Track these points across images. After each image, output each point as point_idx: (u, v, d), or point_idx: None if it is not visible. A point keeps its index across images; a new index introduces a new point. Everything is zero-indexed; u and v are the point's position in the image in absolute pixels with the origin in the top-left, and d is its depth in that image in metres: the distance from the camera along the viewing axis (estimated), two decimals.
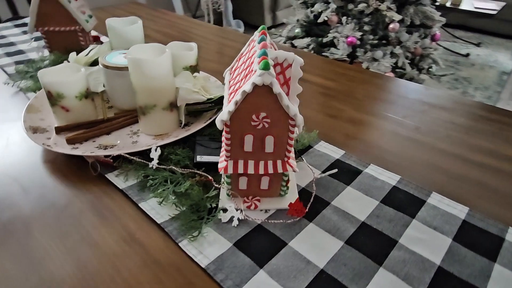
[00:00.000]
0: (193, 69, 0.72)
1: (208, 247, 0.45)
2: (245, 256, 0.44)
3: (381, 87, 0.90)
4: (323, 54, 2.37)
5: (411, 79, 2.27)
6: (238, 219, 0.48)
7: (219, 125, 0.42)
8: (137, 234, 0.47)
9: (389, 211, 0.51)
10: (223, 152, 0.46)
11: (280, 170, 0.47)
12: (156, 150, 0.56)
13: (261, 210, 0.51)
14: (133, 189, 0.54)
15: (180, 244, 0.45)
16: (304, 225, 0.49)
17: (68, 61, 0.78)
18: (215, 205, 0.50)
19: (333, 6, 2.12)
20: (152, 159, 0.56)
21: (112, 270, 0.42)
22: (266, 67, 0.37)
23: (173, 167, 0.55)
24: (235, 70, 0.50)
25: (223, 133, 0.44)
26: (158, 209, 0.50)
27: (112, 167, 0.58)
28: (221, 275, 0.41)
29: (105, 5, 1.62)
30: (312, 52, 2.33)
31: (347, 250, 0.45)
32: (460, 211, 0.51)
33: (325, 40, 2.24)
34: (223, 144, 0.45)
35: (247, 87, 0.38)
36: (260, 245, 0.45)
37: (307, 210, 0.50)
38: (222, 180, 0.50)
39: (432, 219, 0.50)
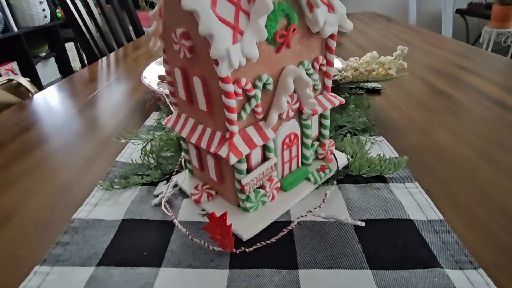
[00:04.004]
0: None
1: (105, 206, 0.33)
2: (107, 240, 0.29)
3: None
4: None
5: None
6: (161, 199, 0.33)
7: (151, 44, 0.29)
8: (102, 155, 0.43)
9: None
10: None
11: (213, 147, 0.27)
12: None
13: (202, 210, 0.32)
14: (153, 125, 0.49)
15: (97, 185, 0.36)
16: (215, 265, 0.26)
17: None
18: (175, 171, 0.37)
19: None
20: None
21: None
22: None
23: None
24: None
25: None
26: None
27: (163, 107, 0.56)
28: (66, 237, 0.29)
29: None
30: None
31: None
32: None
33: None
34: None
35: None
36: (137, 244, 0.28)
37: (248, 250, 0.27)
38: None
39: None
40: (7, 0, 1.92)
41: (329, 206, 0.31)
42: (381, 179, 0.35)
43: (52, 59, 2.41)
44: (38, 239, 0.30)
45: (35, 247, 0.29)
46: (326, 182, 0.35)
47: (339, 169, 0.36)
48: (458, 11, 2.81)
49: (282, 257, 0.26)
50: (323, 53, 0.31)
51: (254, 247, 0.27)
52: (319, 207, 0.29)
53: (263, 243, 0.27)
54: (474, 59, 0.79)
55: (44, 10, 2.15)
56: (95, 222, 0.31)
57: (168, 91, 0.31)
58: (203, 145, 0.28)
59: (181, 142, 0.34)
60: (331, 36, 0.30)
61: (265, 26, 0.24)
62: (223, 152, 0.26)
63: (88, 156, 0.44)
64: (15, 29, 1.99)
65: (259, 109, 0.27)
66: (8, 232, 0.31)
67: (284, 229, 0.28)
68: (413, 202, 0.32)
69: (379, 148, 0.41)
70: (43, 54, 2.31)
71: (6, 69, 1.94)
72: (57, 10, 2.34)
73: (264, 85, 0.27)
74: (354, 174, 0.36)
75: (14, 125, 0.55)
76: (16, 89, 0.71)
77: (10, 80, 0.72)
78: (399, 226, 0.29)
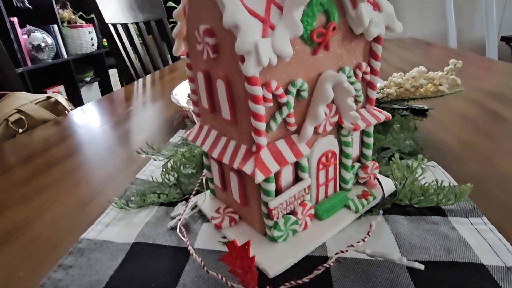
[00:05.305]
0: None
1: (117, 226, 0.30)
2: (113, 266, 0.25)
3: None
4: None
5: None
6: (178, 222, 0.29)
7: (174, 47, 0.26)
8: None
9: None
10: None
11: (236, 163, 0.23)
12: None
13: (223, 237, 0.28)
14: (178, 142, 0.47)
15: (111, 203, 0.33)
16: None
17: None
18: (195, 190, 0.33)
19: None
20: None
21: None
22: None
23: None
24: None
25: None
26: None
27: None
28: (70, 259, 0.26)
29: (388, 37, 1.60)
30: None
31: None
32: None
33: None
34: None
35: None
36: (145, 273, 0.25)
37: None
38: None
39: None
40: (60, 30, 2.09)
41: (375, 240, 0.26)
42: (438, 211, 0.29)
43: (96, 84, 2.56)
44: (42, 260, 0.27)
45: (36, 269, 0.26)
46: (369, 211, 0.30)
47: (385, 196, 0.30)
48: (503, 38, 2.66)
49: None
50: (366, 59, 0.27)
51: (283, 286, 0.22)
52: (363, 241, 0.24)
53: (293, 282, 0.22)
54: None
55: (92, 39, 2.32)
56: (103, 244, 0.28)
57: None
58: (226, 160, 0.24)
59: (204, 157, 0.31)
60: (376, 40, 0.26)
61: (301, 21, 0.20)
62: (248, 169, 0.22)
63: (109, 173, 0.42)
64: (65, 56, 2.15)
65: (292, 120, 0.23)
66: (11, 250, 0.29)
67: (320, 267, 0.23)
68: (483, 243, 0.25)
69: (432, 175, 0.35)
70: (88, 79, 2.47)
71: (53, 92, 2.07)
72: (104, 40, 2.51)
73: (298, 91, 0.23)
74: (403, 204, 0.30)
75: (44, 140, 0.55)
76: (54, 106, 0.73)
77: (48, 98, 0.74)
78: (468, 272, 0.23)
